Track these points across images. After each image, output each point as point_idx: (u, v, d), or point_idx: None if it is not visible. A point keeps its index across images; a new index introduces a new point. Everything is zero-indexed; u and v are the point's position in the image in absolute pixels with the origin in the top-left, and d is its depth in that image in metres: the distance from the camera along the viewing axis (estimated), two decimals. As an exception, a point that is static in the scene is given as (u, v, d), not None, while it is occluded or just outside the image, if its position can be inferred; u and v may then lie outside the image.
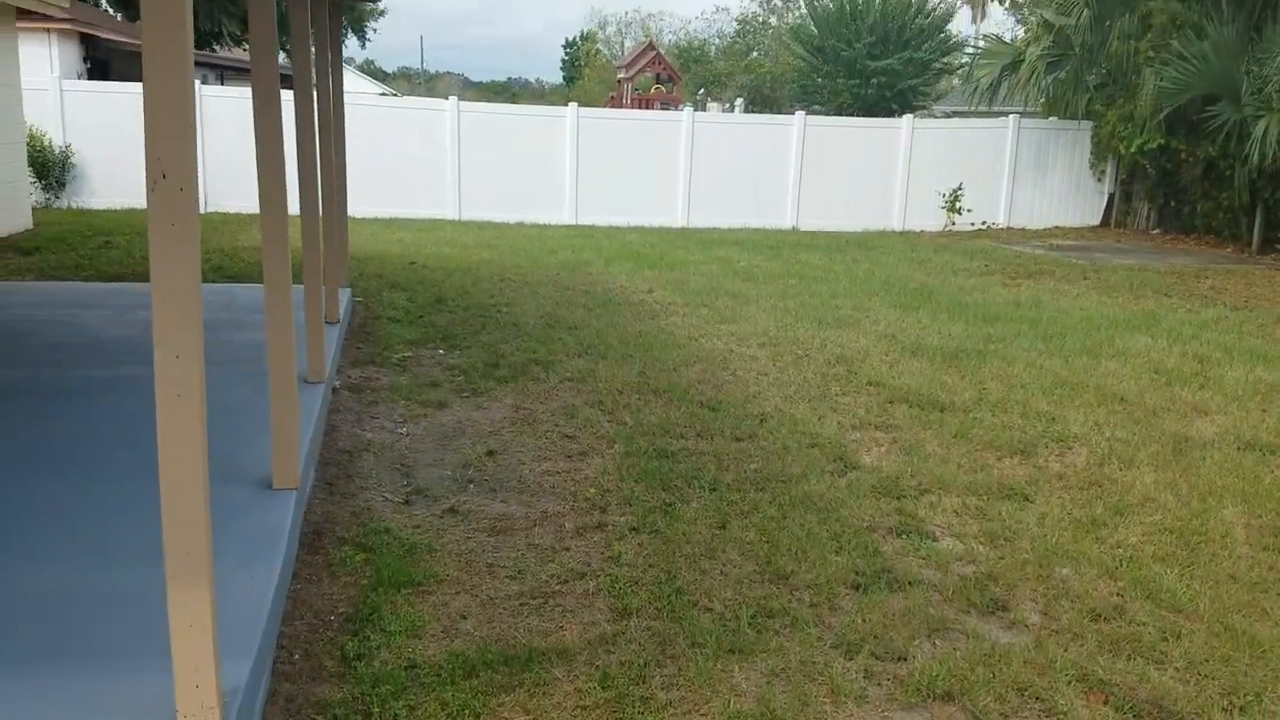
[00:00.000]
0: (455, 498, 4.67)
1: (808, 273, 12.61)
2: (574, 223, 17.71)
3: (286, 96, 5.02)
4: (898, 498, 4.83)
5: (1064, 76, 18.05)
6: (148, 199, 2.23)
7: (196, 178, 2.26)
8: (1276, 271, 13.62)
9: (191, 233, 2.23)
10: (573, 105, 18.60)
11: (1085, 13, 17.15)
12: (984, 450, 5.60)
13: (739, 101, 37.97)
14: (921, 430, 5.96)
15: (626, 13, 59.41)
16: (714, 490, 4.85)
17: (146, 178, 2.21)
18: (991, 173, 19.03)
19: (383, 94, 39.59)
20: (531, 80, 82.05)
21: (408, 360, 7.28)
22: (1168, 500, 4.85)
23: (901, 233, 18.40)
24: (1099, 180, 19.22)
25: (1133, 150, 17.06)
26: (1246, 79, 14.36)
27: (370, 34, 28.54)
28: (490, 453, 5.32)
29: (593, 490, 4.81)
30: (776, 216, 18.57)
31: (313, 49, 5.86)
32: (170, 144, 2.19)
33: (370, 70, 58.34)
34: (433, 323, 8.56)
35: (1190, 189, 17.01)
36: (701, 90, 40.87)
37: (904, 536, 4.39)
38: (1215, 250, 16.12)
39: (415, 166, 17.41)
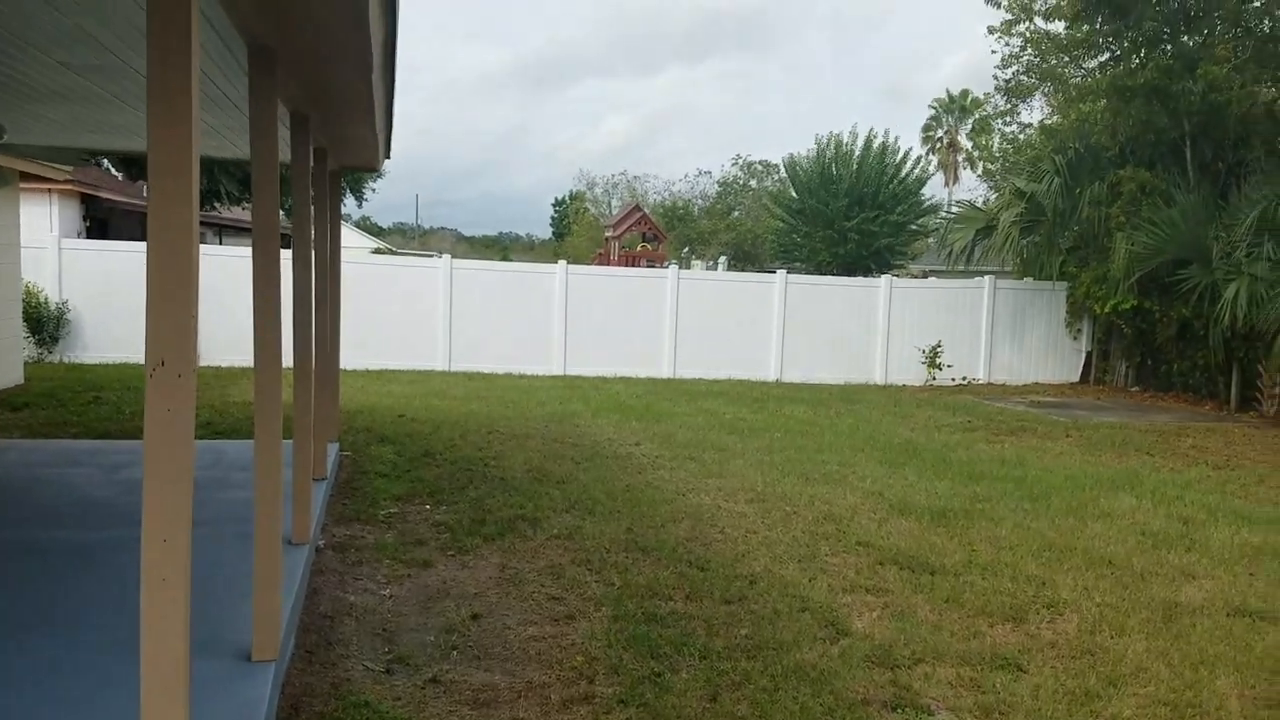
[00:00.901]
0: (438, 666, 4.56)
1: (793, 426, 12.70)
2: (562, 374, 17.91)
3: (285, 254, 5.18)
4: (891, 668, 4.74)
5: (1037, 240, 18.72)
6: (146, 385, 2.28)
7: (195, 365, 2.32)
8: (1256, 430, 13.79)
9: (187, 420, 2.27)
10: (562, 262, 19.13)
11: (1056, 180, 17.94)
12: (976, 616, 5.54)
13: (722, 259, 39.05)
14: (913, 594, 5.90)
15: (613, 175, 61.73)
16: (704, 658, 4.75)
17: (146, 363, 2.27)
18: (970, 330, 19.48)
19: (377, 249, 40.61)
20: (522, 235, 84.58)
21: (394, 517, 7.22)
22: (1160, 670, 4.78)
23: (884, 386, 18.65)
24: (1075, 339, 19.68)
25: (1107, 311, 17.56)
26: (1216, 243, 14.92)
27: (368, 193, 29.50)
28: (475, 616, 5.22)
29: (579, 658, 4.71)
30: (760, 369, 18.85)
31: (312, 209, 6.06)
32: (171, 332, 2.25)
33: (366, 226, 59.96)
34: (420, 477, 8.53)
35: (1166, 348, 17.41)
36: (686, 248, 42.10)
37: (899, 710, 4.29)
38: (1194, 408, 16.37)
39: (407, 319, 17.71)
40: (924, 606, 5.68)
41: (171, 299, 2.26)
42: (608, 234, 36.24)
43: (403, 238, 70.55)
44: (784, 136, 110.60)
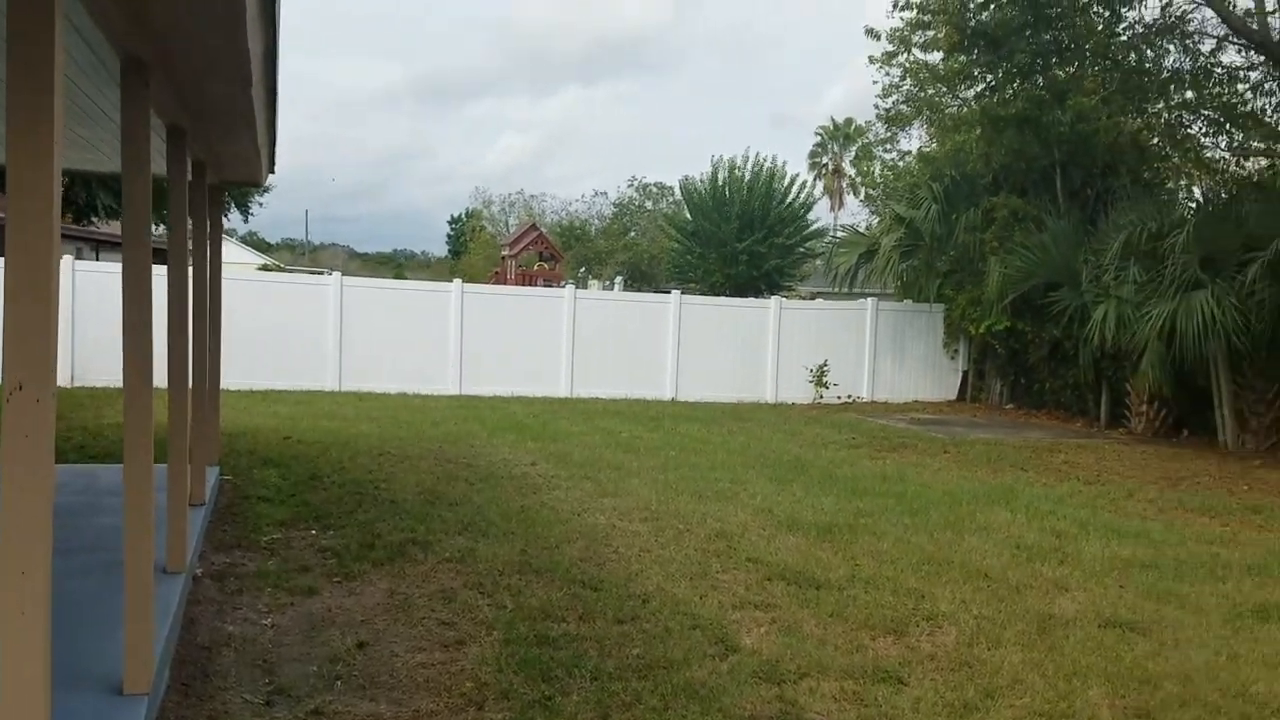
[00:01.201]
0: (321, 697, 4.44)
1: (687, 444, 12.83)
2: (458, 394, 17.72)
3: (161, 270, 5.01)
4: (778, 683, 4.82)
5: (916, 264, 19.43)
6: (4, 409, 2.18)
7: (55, 388, 2.22)
8: (1124, 446, 14.53)
9: (46, 446, 2.18)
10: (457, 281, 18.96)
11: (934, 207, 18.66)
12: (859, 630, 5.68)
13: (618, 279, 39.32)
14: (800, 609, 6.01)
15: (510, 194, 61.50)
16: (596, 679, 4.74)
17: (4, 385, 2.17)
18: (854, 350, 20.06)
19: (264, 266, 39.48)
20: (418, 253, 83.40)
21: (277, 543, 7.00)
22: (1035, 681, 4.97)
23: (774, 405, 19.01)
24: (953, 358, 20.45)
25: (982, 331, 18.32)
26: (1085, 267, 15.72)
27: (255, 208, 28.68)
28: (361, 644, 5.10)
29: (469, 684, 4.65)
30: (656, 388, 19.00)
31: (190, 224, 5.87)
32: (29, 355, 2.16)
33: (253, 241, 58.23)
34: (306, 501, 8.30)
35: (1039, 367, 18.23)
36: (583, 268, 42.27)
37: (784, 725, 4.36)
38: (1065, 425, 17.16)
39: (296, 338, 17.27)
40: (810, 621, 5.80)
41: (30, 320, 2.17)
42: (505, 253, 36.11)
43: (292, 254, 68.77)
44: (678, 159, 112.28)
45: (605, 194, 57.38)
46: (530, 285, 28.36)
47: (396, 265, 72.24)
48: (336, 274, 18.25)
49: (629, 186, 56.89)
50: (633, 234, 52.41)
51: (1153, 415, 15.70)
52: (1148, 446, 14.57)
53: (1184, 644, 5.61)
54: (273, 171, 8.59)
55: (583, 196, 72.30)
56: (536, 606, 5.82)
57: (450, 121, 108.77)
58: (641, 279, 45.71)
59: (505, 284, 30.27)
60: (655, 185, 55.73)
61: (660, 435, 13.67)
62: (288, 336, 17.18)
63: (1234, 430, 14.44)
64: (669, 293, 20.40)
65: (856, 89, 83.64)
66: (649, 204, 55.58)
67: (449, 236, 68.61)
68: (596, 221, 55.08)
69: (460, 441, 12.14)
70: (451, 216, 68.15)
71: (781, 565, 6.95)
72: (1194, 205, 16.20)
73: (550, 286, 25.77)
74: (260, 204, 29.53)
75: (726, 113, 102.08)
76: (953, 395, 20.48)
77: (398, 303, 18.16)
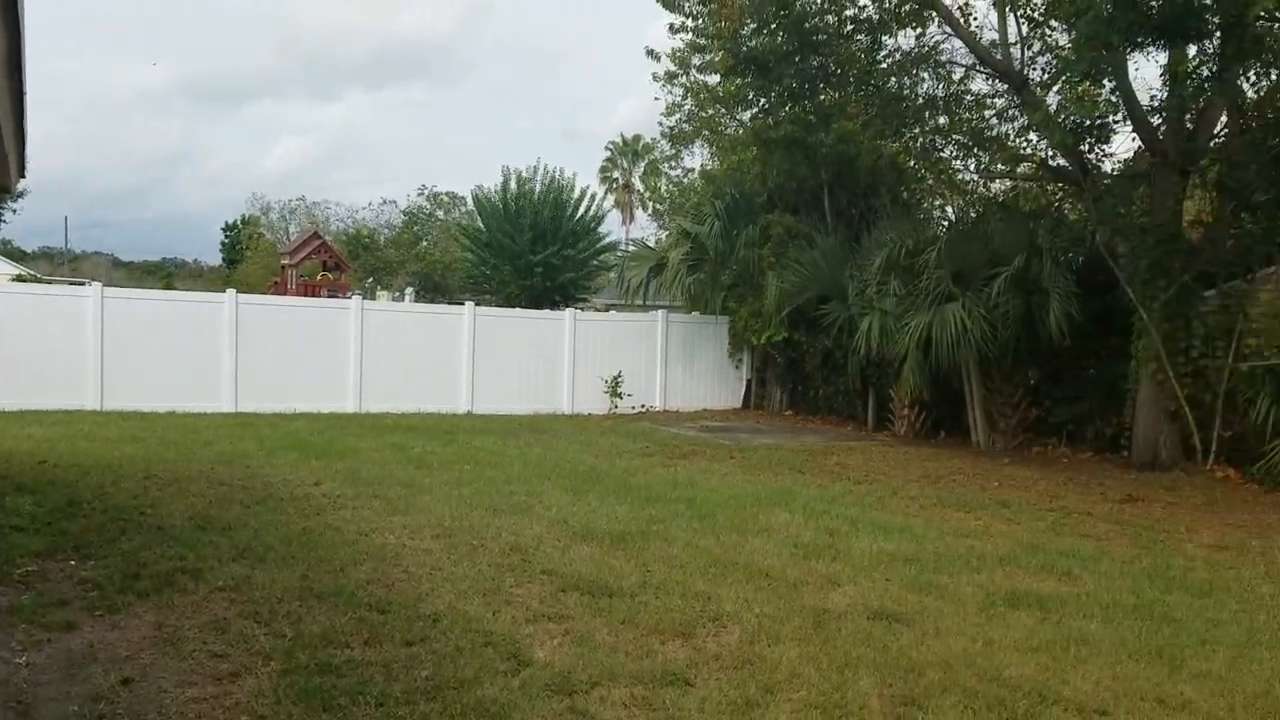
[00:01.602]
0: (82, 742, 4.12)
1: (482, 458, 12.72)
2: (234, 411, 16.81)
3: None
4: (570, 694, 4.88)
5: (702, 277, 20.18)
6: None
7: None
8: (889, 447, 15.61)
9: None
10: (231, 291, 17.98)
11: (716, 223, 19.45)
12: (650, 635, 5.84)
13: (409, 290, 38.45)
14: (592, 618, 6.10)
15: (290, 200, 58.77)
16: (381, 705, 4.64)
17: None
18: (647, 360, 20.55)
19: (18, 276, 36.00)
20: (189, 261, 78.13)
21: (32, 576, 6.43)
22: (811, 675, 5.27)
23: (571, 416, 19.17)
24: (738, 368, 21.35)
25: (763, 342, 19.24)
26: (852, 282, 16.80)
27: (8, 215, 26.11)
28: (126, 680, 4.77)
29: (244, 718, 4.44)
30: (450, 401, 18.74)
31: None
32: None
33: (7, 251, 52.88)
34: (64, 530, 7.65)
35: (813, 375, 19.33)
36: (370, 278, 41.05)
37: (576, 734, 4.42)
38: (838, 429, 18.26)
39: (51, 354, 15.92)
40: (602, 629, 5.90)
41: None
42: (285, 262, 34.51)
43: (51, 263, 62.93)
44: (468, 169, 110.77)
45: (395, 202, 55.88)
46: (314, 296, 27.26)
47: (165, 274, 67.43)
48: (97, 284, 16.96)
49: (419, 195, 55.80)
50: (425, 244, 51.39)
51: (914, 418, 16.96)
52: (910, 447, 15.73)
53: (944, 632, 6.09)
54: (23, 176, 7.90)
55: (370, 204, 70.11)
56: (318, 633, 5.62)
57: (224, 124, 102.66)
58: (435, 290, 44.88)
59: (286, 294, 28.96)
60: (447, 194, 54.97)
61: (455, 449, 13.49)
62: (44, 352, 15.80)
63: (985, 431, 15.83)
64: (463, 304, 20.19)
65: (647, 105, 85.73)
66: (440, 213, 54.69)
67: (223, 244, 64.80)
68: (386, 231, 53.61)
69: (236, 462, 11.53)
70: (226, 223, 64.41)
71: (576, 576, 7.02)
72: (946, 224, 17.69)
73: (336, 297, 24.90)
74: (14, 210, 26.92)
75: (517, 124, 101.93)
76: (738, 403, 21.34)
77: (166, 314, 17.04)
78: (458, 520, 8.82)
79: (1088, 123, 11.65)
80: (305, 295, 27.86)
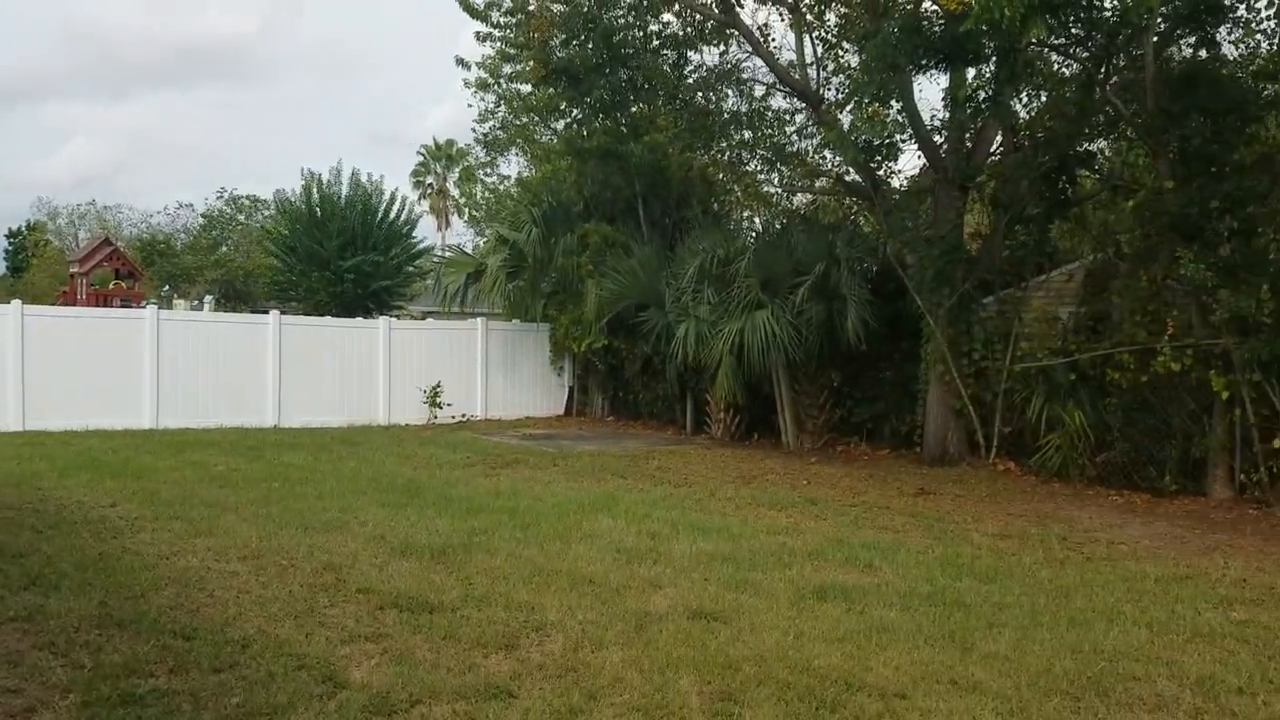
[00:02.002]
0: None
1: (292, 474, 12.24)
2: (20, 430, 15.57)
3: None
4: (389, 715, 4.79)
5: (522, 284, 20.17)
6: None
7: None
8: (707, 450, 16.07)
9: None
10: (15, 302, 16.65)
11: (535, 230, 19.50)
12: (472, 649, 5.80)
13: (209, 298, 36.46)
14: (412, 635, 6.00)
15: (80, 205, 54.48)
16: (190, 738, 4.42)
17: None
18: (467, 369, 20.33)
19: None
20: (-33, 270, 70.89)
21: None
22: (633, 678, 5.38)
23: (388, 427, 18.71)
24: (560, 375, 21.46)
25: (583, 349, 19.42)
26: (668, 290, 17.22)
27: None
28: (-107, 735, 4.34)
29: (37, 763, 4.13)
30: (257, 415, 17.93)
31: None
32: None
33: None
34: None
35: (634, 382, 19.67)
36: (167, 286, 38.65)
37: (398, 754, 4.35)
38: (659, 433, 18.65)
39: None
40: (423, 646, 5.82)
41: None
42: (74, 270, 32.05)
43: None
44: (275, 172, 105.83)
45: (191, 206, 52.79)
46: (106, 305, 25.47)
47: (-61, 286, 61.11)
48: None
49: (218, 199, 52.97)
50: (225, 249, 48.82)
51: (729, 422, 17.54)
52: (726, 450, 16.26)
53: (759, 628, 6.34)
54: None
55: (166, 208, 65.92)
56: (120, 663, 5.30)
57: (5, 125, 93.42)
58: (238, 298, 42.68)
59: (76, 304, 26.92)
60: (248, 198, 52.42)
61: (262, 466, 12.92)
62: None
63: (794, 432, 16.56)
64: (267, 312, 19.35)
65: (460, 110, 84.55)
66: (242, 217, 52.13)
67: (6, 252, 59.36)
68: (183, 236, 50.58)
69: (24, 484, 10.68)
70: (10, 230, 58.99)
71: (394, 593, 6.88)
72: (754, 235, 18.42)
73: (130, 306, 23.31)
74: None
75: (326, 128, 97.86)
76: (561, 410, 21.42)
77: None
78: (266, 540, 8.47)
79: (877, 141, 12.44)
80: (97, 305, 25.99)
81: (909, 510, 11.01)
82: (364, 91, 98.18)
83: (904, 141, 13.29)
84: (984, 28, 9.67)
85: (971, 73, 13.43)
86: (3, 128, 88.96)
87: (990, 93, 13.00)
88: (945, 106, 14.23)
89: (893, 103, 12.71)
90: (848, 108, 14.75)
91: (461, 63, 18.80)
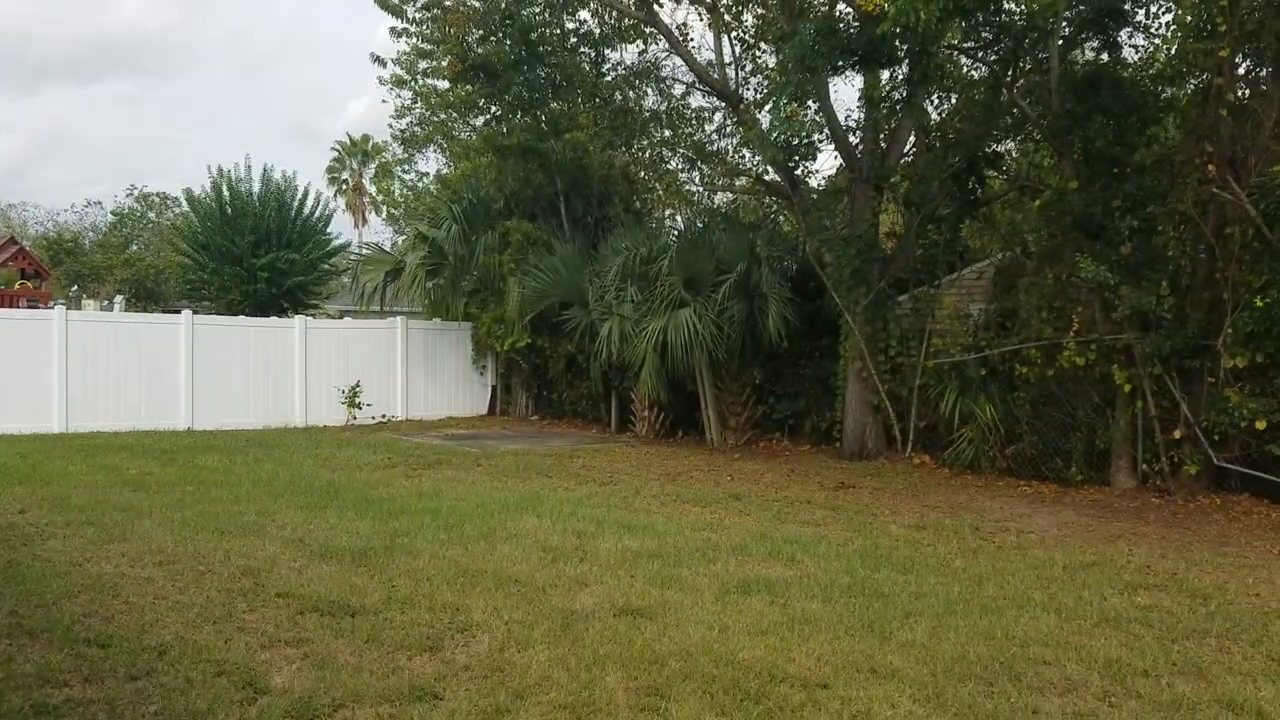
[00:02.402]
0: None
1: (207, 477, 11.96)
2: (-85, 438, 14.86)
3: None
4: (311, 719, 4.74)
5: (442, 282, 19.97)
6: None
7: None
8: (632, 449, 16.13)
9: None
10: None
11: (455, 227, 19.34)
12: (395, 652, 5.75)
13: (119, 298, 35.26)
14: (334, 639, 5.93)
15: (-17, 201, 52.26)
16: (105, 750, 4.31)
17: None
18: (386, 368, 20.07)
19: None
20: None
21: None
22: (560, 676, 5.40)
23: (305, 429, 18.37)
24: (482, 374, 21.31)
25: (506, 348, 19.30)
26: (591, 288, 17.23)
27: None
28: None
29: (-60, 782, 3.98)
30: (169, 418, 17.49)
31: None
32: None
33: None
34: None
35: (558, 380, 19.64)
36: (74, 285, 37.27)
37: (323, 759, 4.30)
38: (583, 432, 18.65)
39: None
40: (345, 650, 5.75)
41: None
42: (-23, 270, 30.72)
43: None
44: (188, 168, 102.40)
45: (100, 204, 51.01)
46: (12, 306, 24.47)
47: None
48: None
49: (128, 196, 51.26)
50: (135, 248, 47.28)
51: (654, 419, 17.64)
52: (650, 448, 16.35)
53: (684, 623, 6.40)
54: None
55: (73, 206, 63.54)
56: (32, 673, 5.15)
57: None
58: (149, 297, 41.38)
59: (-24, 305, 25.78)
60: (159, 195, 50.85)
61: (176, 470, 12.59)
62: None
63: (718, 429, 16.73)
64: (179, 312, 18.84)
65: (377, 106, 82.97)
66: (152, 215, 50.55)
67: (-95, 251, 56.47)
68: (92, 234, 48.83)
69: (-79, 494, 10.21)
70: (-93, 228, 56.16)
71: (315, 596, 6.78)
72: (676, 233, 18.53)
73: (36, 307, 22.42)
74: None
75: (240, 123, 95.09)
76: (484, 409, 21.28)
77: None
78: (182, 545, 8.27)
79: (796, 141, 12.63)
80: (2, 306, 24.95)
81: (830, 504, 11.23)
82: (280, 86, 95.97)
83: (821, 141, 13.55)
84: (899, 30, 9.91)
85: (885, 75, 13.75)
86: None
87: (904, 94, 13.32)
88: (860, 107, 14.56)
89: (810, 103, 12.94)
90: (766, 108, 14.97)
91: (377, 59, 18.53)
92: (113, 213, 50.21)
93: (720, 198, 20.16)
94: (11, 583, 6.84)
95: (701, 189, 19.60)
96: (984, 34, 12.41)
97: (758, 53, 16.54)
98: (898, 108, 13.60)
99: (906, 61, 12.55)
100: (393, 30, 17.38)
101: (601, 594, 7.09)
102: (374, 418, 19.42)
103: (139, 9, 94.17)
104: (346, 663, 5.53)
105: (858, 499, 11.66)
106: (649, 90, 17.99)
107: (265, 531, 8.93)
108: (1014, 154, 15.14)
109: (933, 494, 12.10)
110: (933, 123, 14.79)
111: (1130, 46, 12.73)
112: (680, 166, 18.91)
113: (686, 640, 6.04)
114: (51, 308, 19.16)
